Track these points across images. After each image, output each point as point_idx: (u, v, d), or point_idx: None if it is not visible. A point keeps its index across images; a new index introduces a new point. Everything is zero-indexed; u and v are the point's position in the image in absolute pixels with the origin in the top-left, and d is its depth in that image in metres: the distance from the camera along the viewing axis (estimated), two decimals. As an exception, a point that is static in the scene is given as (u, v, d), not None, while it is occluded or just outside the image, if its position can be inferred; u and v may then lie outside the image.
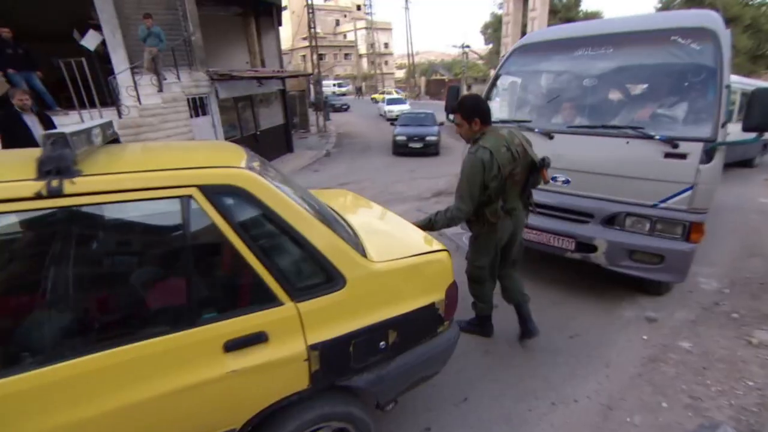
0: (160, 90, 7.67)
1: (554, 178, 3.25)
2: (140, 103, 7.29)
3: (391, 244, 1.88)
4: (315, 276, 1.50)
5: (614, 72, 3.15)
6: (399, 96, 23.47)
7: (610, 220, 3.08)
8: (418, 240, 1.94)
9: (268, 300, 1.42)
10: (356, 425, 1.65)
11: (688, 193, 2.78)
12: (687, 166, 2.74)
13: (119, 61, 7.60)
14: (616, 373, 2.62)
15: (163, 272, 1.44)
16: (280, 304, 1.43)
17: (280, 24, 13.07)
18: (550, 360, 2.73)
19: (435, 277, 1.76)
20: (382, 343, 1.62)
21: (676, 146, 2.76)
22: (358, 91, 45.33)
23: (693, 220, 2.81)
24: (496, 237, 2.47)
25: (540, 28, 12.18)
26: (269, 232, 1.44)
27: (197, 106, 8.63)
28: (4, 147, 4.71)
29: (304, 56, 38.26)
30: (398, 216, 2.31)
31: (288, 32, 44.01)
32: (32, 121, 4.86)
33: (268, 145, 11.56)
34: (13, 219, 1.24)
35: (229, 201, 1.38)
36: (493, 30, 26.89)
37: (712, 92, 2.72)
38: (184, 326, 1.33)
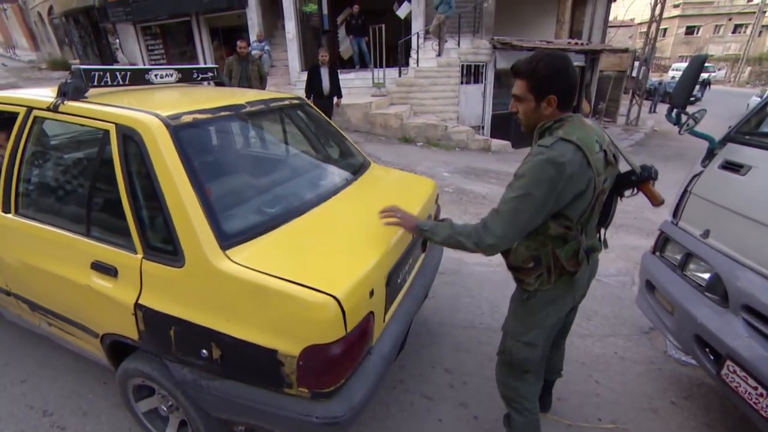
0: (439, 54, 8.20)
1: None
2: (418, 65, 8.09)
3: (297, 256, 1.37)
4: (165, 242, 1.34)
5: None
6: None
7: None
8: (331, 268, 1.32)
9: (127, 242, 1.42)
10: (181, 404, 1.50)
11: None
12: None
13: (418, 27, 8.56)
14: None
15: (83, 183, 1.65)
16: (134, 251, 1.40)
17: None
18: None
19: (287, 321, 1.17)
20: (203, 350, 1.28)
21: None
22: None
23: None
24: (570, 298, 1.46)
25: None
26: (144, 182, 1.39)
27: (471, 73, 8.72)
28: (307, 88, 6.46)
29: (665, 29, 30.67)
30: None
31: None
32: (324, 72, 6.38)
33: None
34: (44, 121, 1.70)
35: (127, 141, 1.43)
36: None
37: None
38: (81, 232, 1.55)
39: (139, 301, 1.37)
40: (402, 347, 1.68)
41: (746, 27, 34.29)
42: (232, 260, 1.25)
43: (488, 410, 1.96)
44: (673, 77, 23.70)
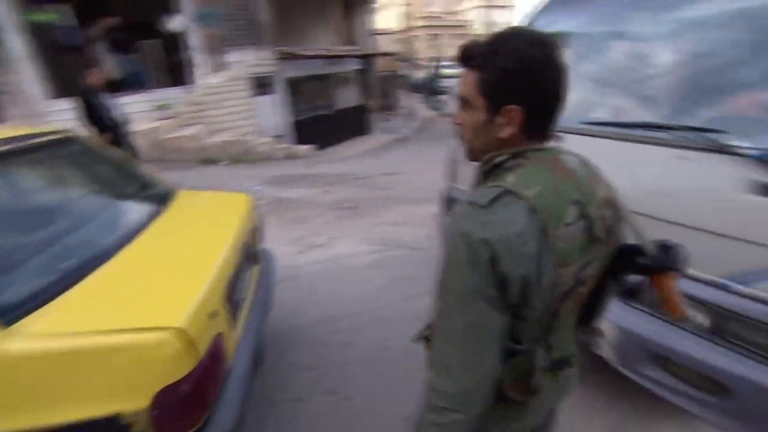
0: (222, 69, 7.91)
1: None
2: (203, 82, 7.62)
3: (117, 302, 1.23)
4: None
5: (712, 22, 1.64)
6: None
7: (630, 291, 1.57)
8: (161, 303, 1.25)
9: None
10: None
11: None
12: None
13: (195, 41, 8.01)
14: None
15: None
16: None
17: (373, 3, 12.72)
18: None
19: (125, 375, 1.08)
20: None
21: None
22: None
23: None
24: (521, 425, 0.88)
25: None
26: None
27: (262, 85, 8.74)
28: (88, 121, 5.06)
29: (416, 36, 37.47)
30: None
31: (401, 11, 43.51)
32: (105, 98, 5.11)
33: (343, 126, 11.36)
34: None
35: None
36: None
37: None
38: None
39: None
40: (261, 361, 1.70)
41: (466, 36, 46.10)
42: (23, 334, 1.04)
43: (354, 390, 2.16)
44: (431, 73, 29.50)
